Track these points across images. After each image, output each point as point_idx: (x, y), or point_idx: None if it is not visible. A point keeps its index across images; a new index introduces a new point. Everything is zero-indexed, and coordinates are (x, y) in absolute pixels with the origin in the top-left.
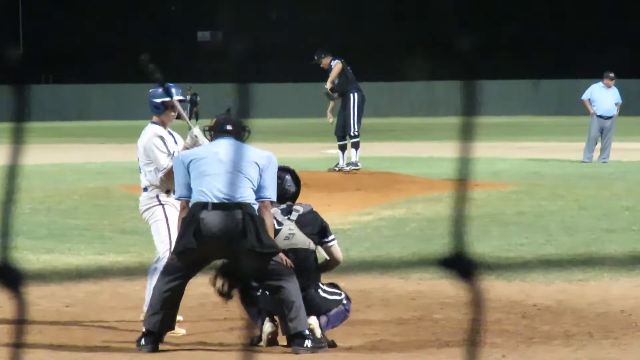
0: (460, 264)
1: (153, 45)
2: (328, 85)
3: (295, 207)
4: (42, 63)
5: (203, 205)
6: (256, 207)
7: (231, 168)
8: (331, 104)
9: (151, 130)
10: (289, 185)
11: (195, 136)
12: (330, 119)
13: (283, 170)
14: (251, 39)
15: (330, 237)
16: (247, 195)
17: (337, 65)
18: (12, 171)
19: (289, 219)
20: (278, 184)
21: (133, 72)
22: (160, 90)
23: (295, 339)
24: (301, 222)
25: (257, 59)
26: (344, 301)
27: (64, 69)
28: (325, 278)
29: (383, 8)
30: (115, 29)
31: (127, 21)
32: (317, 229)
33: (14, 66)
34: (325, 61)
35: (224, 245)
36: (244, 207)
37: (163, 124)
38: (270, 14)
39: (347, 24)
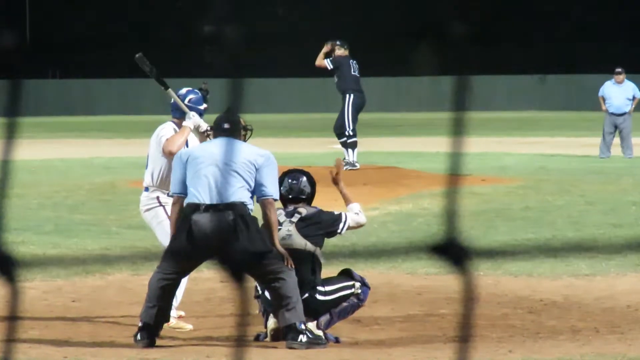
0: (452, 251)
1: (162, 39)
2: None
3: (300, 209)
4: (47, 56)
5: (195, 207)
6: (251, 206)
7: (225, 168)
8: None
9: (169, 126)
10: (304, 185)
11: (192, 116)
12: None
13: (299, 172)
14: (251, 31)
15: (341, 225)
16: (240, 196)
17: (337, 55)
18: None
19: (290, 221)
20: (294, 184)
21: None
22: (191, 95)
23: (289, 333)
24: (302, 225)
25: (262, 54)
26: (358, 290)
27: (70, 63)
28: (336, 267)
29: (390, 2)
30: (121, 21)
31: (134, 12)
32: (322, 226)
33: (19, 59)
34: (338, 52)
35: (216, 246)
36: (236, 208)
37: (179, 126)
38: (277, 9)
39: (354, 19)
